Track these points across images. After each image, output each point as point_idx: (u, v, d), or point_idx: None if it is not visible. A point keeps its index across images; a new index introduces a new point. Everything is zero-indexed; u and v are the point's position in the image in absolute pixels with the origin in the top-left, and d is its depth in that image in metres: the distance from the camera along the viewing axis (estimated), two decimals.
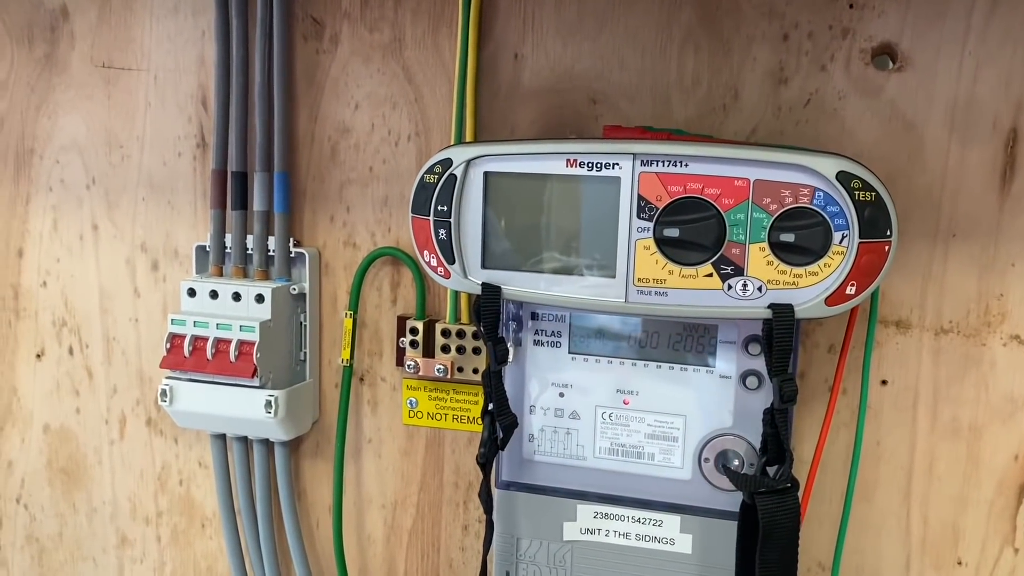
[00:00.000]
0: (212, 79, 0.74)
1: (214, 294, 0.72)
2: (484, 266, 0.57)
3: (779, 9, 0.63)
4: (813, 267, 0.52)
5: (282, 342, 0.72)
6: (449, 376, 0.70)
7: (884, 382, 0.65)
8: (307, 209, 0.75)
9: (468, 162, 0.56)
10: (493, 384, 0.58)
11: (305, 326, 0.74)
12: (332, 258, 0.75)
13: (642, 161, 0.53)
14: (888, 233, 0.51)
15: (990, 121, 0.60)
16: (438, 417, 0.73)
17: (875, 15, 0.61)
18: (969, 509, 0.64)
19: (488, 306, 0.56)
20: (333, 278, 0.75)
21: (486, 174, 0.56)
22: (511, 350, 0.61)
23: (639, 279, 0.54)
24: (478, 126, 0.68)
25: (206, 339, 0.70)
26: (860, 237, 0.51)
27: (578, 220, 0.55)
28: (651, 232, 0.54)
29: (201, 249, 0.76)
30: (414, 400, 0.74)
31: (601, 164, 0.54)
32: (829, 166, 0.51)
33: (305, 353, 0.75)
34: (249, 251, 0.74)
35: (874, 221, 0.51)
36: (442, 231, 0.57)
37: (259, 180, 0.73)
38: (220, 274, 0.75)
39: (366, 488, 0.77)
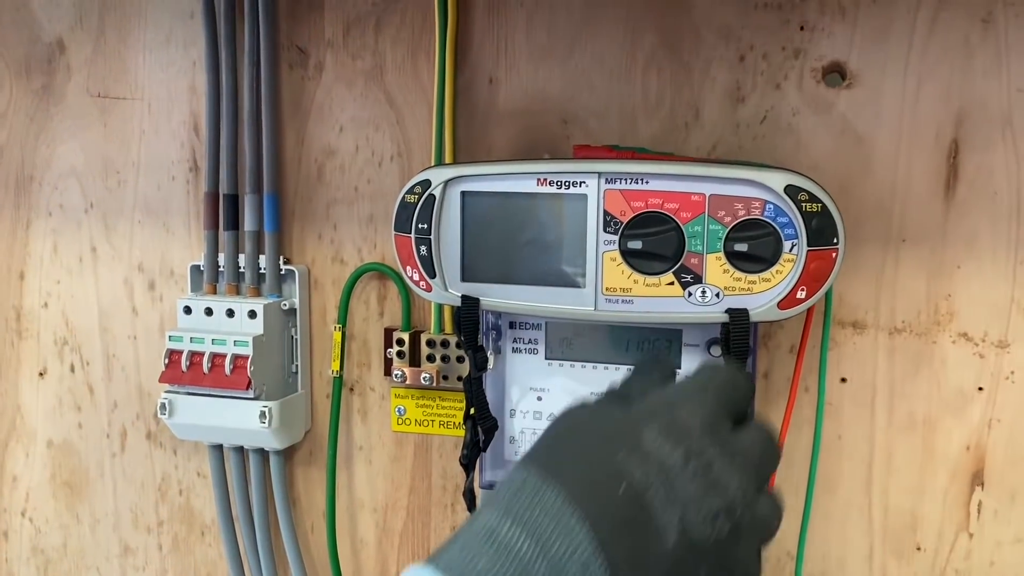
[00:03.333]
0: (203, 107, 0.78)
1: (209, 311, 0.75)
2: (463, 279, 0.61)
3: (735, 33, 0.67)
4: (766, 274, 0.56)
5: (275, 355, 0.76)
6: (435, 384, 0.74)
7: (843, 380, 0.69)
8: (296, 228, 0.78)
9: (446, 183, 0.60)
10: (474, 390, 0.62)
11: (296, 340, 0.78)
12: (321, 274, 0.79)
13: (607, 179, 0.57)
14: (835, 241, 0.56)
15: (933, 133, 0.64)
16: (425, 423, 0.77)
17: (825, 36, 0.65)
18: (926, 498, 0.68)
19: (467, 317, 0.60)
20: (322, 293, 0.79)
21: (463, 193, 0.60)
22: (491, 358, 0.65)
23: (607, 289, 0.58)
24: (456, 146, 0.72)
25: (202, 354, 0.74)
26: (808, 245, 0.55)
27: (549, 235, 0.59)
28: (616, 245, 0.58)
29: (195, 268, 0.79)
30: (402, 408, 0.77)
31: (569, 182, 0.58)
32: (778, 180, 0.55)
33: (297, 365, 0.78)
34: (241, 269, 0.78)
35: (821, 230, 0.55)
36: (423, 247, 0.61)
37: (249, 201, 0.77)
38: (214, 292, 0.79)
39: (358, 493, 0.81)
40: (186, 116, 0.80)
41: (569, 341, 0.65)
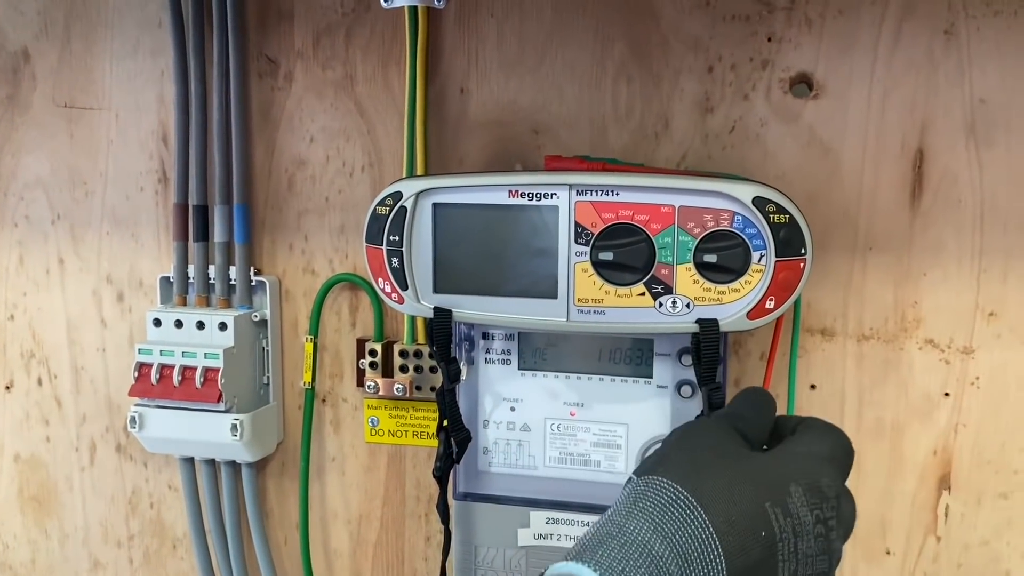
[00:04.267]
0: (172, 117, 0.77)
1: (179, 323, 0.75)
2: (436, 291, 0.61)
3: (704, 43, 0.67)
4: (735, 284, 0.57)
5: (246, 367, 0.76)
6: (408, 395, 0.74)
7: (812, 387, 0.69)
8: (267, 239, 0.78)
9: (417, 194, 0.60)
10: (447, 402, 0.62)
11: (267, 351, 0.78)
12: (292, 285, 0.78)
13: (577, 191, 0.58)
14: (803, 251, 0.56)
15: (899, 143, 0.65)
16: (399, 434, 0.77)
17: (792, 47, 0.66)
18: (895, 502, 0.69)
19: (440, 328, 0.60)
20: (293, 304, 0.78)
21: (434, 205, 0.60)
22: (464, 369, 0.65)
23: (579, 299, 0.59)
24: (428, 157, 0.72)
25: (172, 367, 0.73)
26: (776, 256, 0.56)
27: (521, 246, 0.59)
28: (588, 256, 0.58)
29: (165, 280, 0.79)
30: (375, 419, 0.77)
31: (540, 194, 0.58)
32: (746, 192, 0.55)
33: (268, 377, 0.78)
34: (211, 281, 0.77)
35: (789, 241, 0.56)
36: (395, 259, 0.61)
37: (219, 212, 0.76)
38: (184, 304, 0.78)
39: (331, 504, 0.80)
40: (155, 126, 0.79)
41: (542, 351, 0.65)
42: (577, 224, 0.58)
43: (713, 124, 0.68)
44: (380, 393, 0.75)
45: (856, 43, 0.65)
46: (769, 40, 0.66)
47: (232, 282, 0.77)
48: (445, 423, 0.63)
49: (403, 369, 0.74)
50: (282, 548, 0.82)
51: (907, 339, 0.67)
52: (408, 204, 0.60)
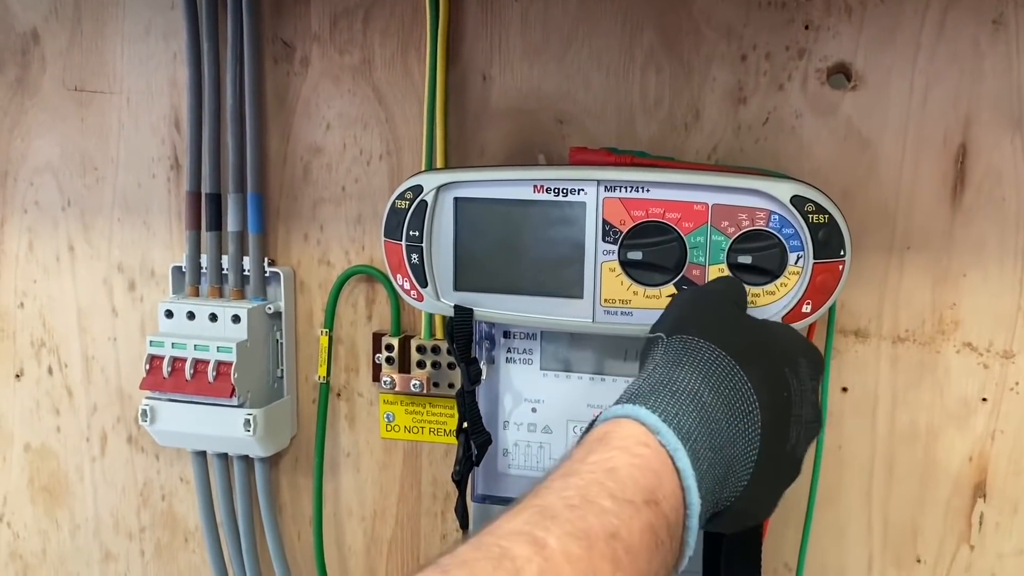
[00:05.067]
0: (184, 101, 0.75)
1: (191, 315, 0.73)
2: (456, 288, 0.59)
3: (737, 31, 0.64)
4: (770, 287, 0.54)
5: (259, 360, 0.74)
6: (425, 391, 0.72)
7: (844, 389, 0.67)
8: (281, 228, 0.76)
9: (438, 188, 0.58)
10: (467, 403, 0.60)
11: (281, 344, 0.76)
12: (307, 276, 0.76)
13: (606, 187, 0.55)
14: (842, 253, 0.54)
15: (940, 137, 0.62)
16: (415, 430, 0.75)
17: (830, 36, 0.63)
18: (927, 509, 0.67)
19: (460, 328, 0.58)
20: (308, 296, 0.76)
21: (456, 200, 0.58)
22: (484, 369, 0.63)
23: (605, 300, 0.56)
24: (448, 146, 0.69)
25: (184, 360, 0.71)
26: (814, 258, 0.53)
27: (546, 244, 0.57)
28: (616, 255, 0.56)
29: (177, 270, 0.77)
30: (391, 414, 0.75)
31: (567, 190, 0.56)
32: (784, 190, 0.53)
33: (282, 370, 0.76)
34: (224, 271, 0.75)
35: (827, 242, 0.53)
36: (414, 255, 0.58)
37: (233, 201, 0.74)
38: (196, 294, 0.76)
39: (345, 501, 0.79)
40: (167, 111, 0.77)
41: (565, 352, 0.63)
42: (605, 222, 0.56)
43: (746, 115, 0.65)
44: (397, 389, 0.73)
45: (898, 32, 0.62)
46: (806, 28, 0.63)
47: (246, 273, 0.75)
48: (465, 425, 0.61)
49: (420, 365, 0.72)
50: (295, 544, 0.81)
51: (944, 341, 0.65)
52: (428, 198, 0.58)
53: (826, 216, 0.53)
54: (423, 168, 0.69)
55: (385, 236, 0.60)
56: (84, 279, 0.82)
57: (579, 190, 0.56)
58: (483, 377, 0.62)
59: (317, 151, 0.74)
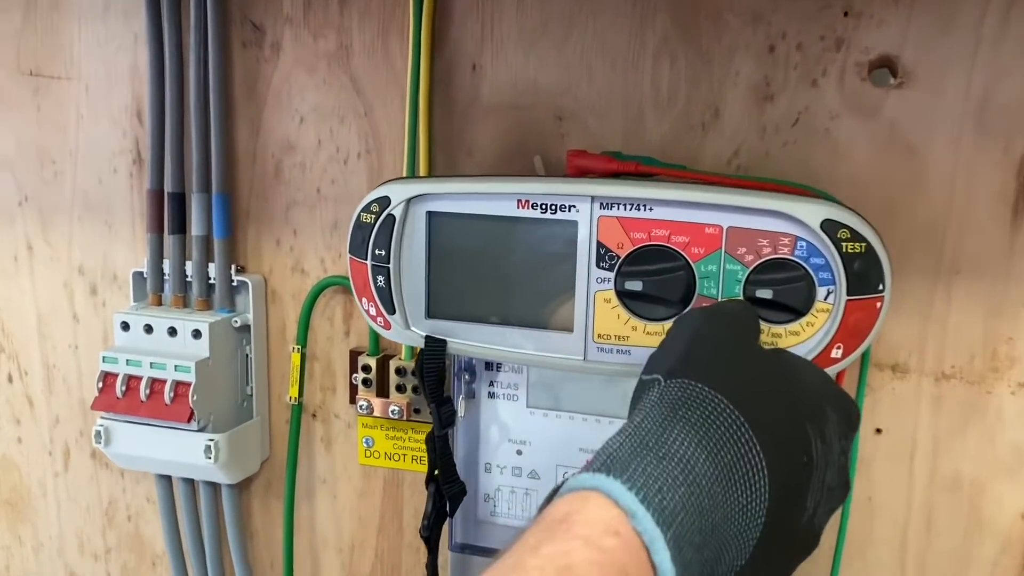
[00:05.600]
0: (146, 89, 0.67)
1: (148, 328, 0.66)
2: (429, 316, 0.51)
3: (765, 17, 0.55)
4: (794, 326, 0.46)
5: (225, 379, 0.67)
6: (405, 417, 0.64)
7: (878, 431, 0.59)
8: (251, 232, 0.69)
9: (408, 201, 0.50)
10: (438, 449, 0.52)
11: (251, 360, 0.68)
12: (279, 286, 0.69)
13: (601, 204, 0.47)
14: (880, 288, 0.45)
15: (1001, 146, 0.53)
16: (396, 457, 0.68)
17: (873, 24, 0.54)
18: (971, 569, 0.59)
19: (432, 362, 0.51)
20: (281, 307, 0.69)
21: (429, 214, 0.50)
22: (463, 405, 0.55)
23: (599, 335, 0.48)
24: (433, 144, 0.62)
25: (140, 378, 0.64)
26: (848, 293, 0.45)
27: (532, 268, 0.49)
28: (612, 283, 0.48)
29: (139, 275, 0.70)
30: (370, 439, 0.68)
31: (556, 206, 0.48)
32: (813, 213, 0.44)
33: (252, 388, 0.69)
34: (189, 279, 0.68)
35: (864, 275, 0.45)
36: (380, 278, 0.51)
37: (197, 202, 0.67)
38: (159, 303, 0.69)
39: (321, 530, 0.72)
40: (128, 100, 0.70)
41: (555, 388, 0.55)
42: (600, 244, 0.47)
43: (773, 115, 0.56)
44: (375, 413, 0.65)
45: (955, 22, 0.53)
46: (846, 15, 0.54)
47: (212, 281, 0.67)
48: (436, 473, 0.53)
49: (400, 389, 0.64)
50: (268, 573, 0.74)
51: (997, 381, 0.56)
52: (397, 212, 0.50)
53: (863, 245, 0.44)
54: (405, 170, 0.61)
55: (350, 253, 0.52)
56: (44, 281, 0.75)
57: (570, 206, 0.47)
58: (461, 415, 0.55)
59: (290, 148, 0.66)
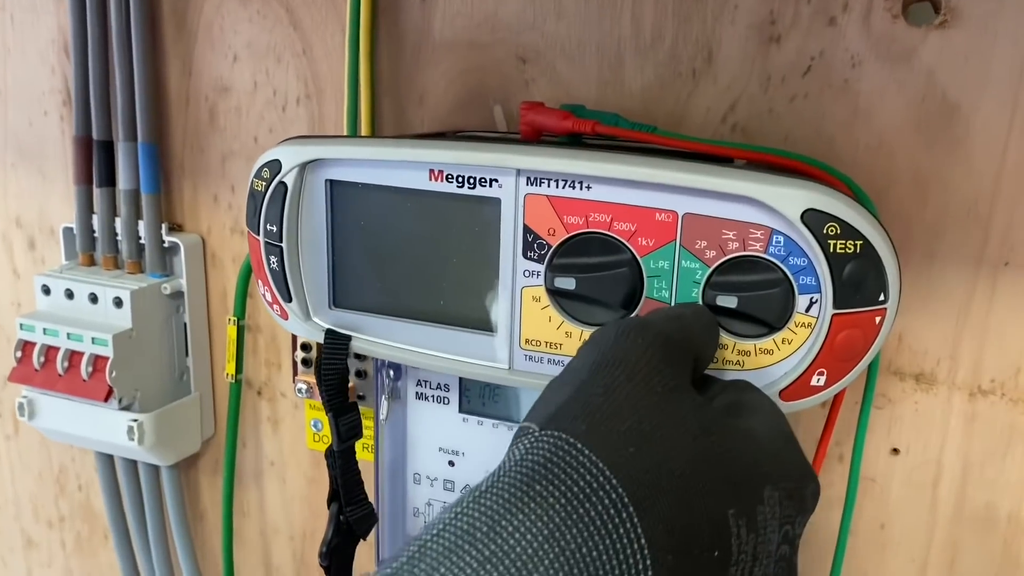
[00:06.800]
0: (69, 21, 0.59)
1: (69, 294, 0.59)
2: (334, 305, 0.43)
3: None
4: (766, 342, 0.36)
5: (154, 352, 0.60)
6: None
7: (895, 451, 0.48)
8: (187, 186, 0.61)
9: (303, 167, 0.41)
10: (339, 466, 0.44)
11: (188, 328, 0.61)
12: (219, 248, 0.61)
13: (529, 179, 0.37)
14: (882, 299, 0.34)
15: None
16: None
17: None
18: None
19: (332, 360, 0.42)
20: (222, 271, 0.61)
21: (330, 184, 0.41)
22: (385, 405, 0.47)
23: (527, 340, 0.39)
24: (377, 89, 0.52)
25: (57, 350, 0.58)
26: (836, 305, 0.34)
27: (448, 254, 0.40)
28: (542, 278, 0.38)
29: (69, 232, 0.63)
30: (318, 422, 0.61)
31: (474, 180, 0.38)
32: (792, 200, 0.33)
33: (190, 362, 0.62)
34: (119, 238, 0.61)
35: (858, 282, 0.34)
36: (273, 258, 0.42)
37: (124, 151, 0.59)
38: (91, 263, 0.62)
39: (272, 516, 0.65)
40: (54, 34, 0.62)
41: (491, 392, 0.46)
42: (527, 229, 0.38)
43: (779, 60, 0.45)
44: (316, 396, 0.58)
45: None
46: None
47: (143, 240, 0.60)
48: (342, 495, 0.45)
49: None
50: (217, 555, 0.68)
51: None
52: (289, 180, 0.41)
53: (857, 243, 0.33)
54: (345, 121, 0.52)
55: (247, 226, 0.44)
56: None
57: (491, 180, 0.38)
58: (383, 418, 0.46)
59: (224, 90, 0.58)
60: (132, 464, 0.65)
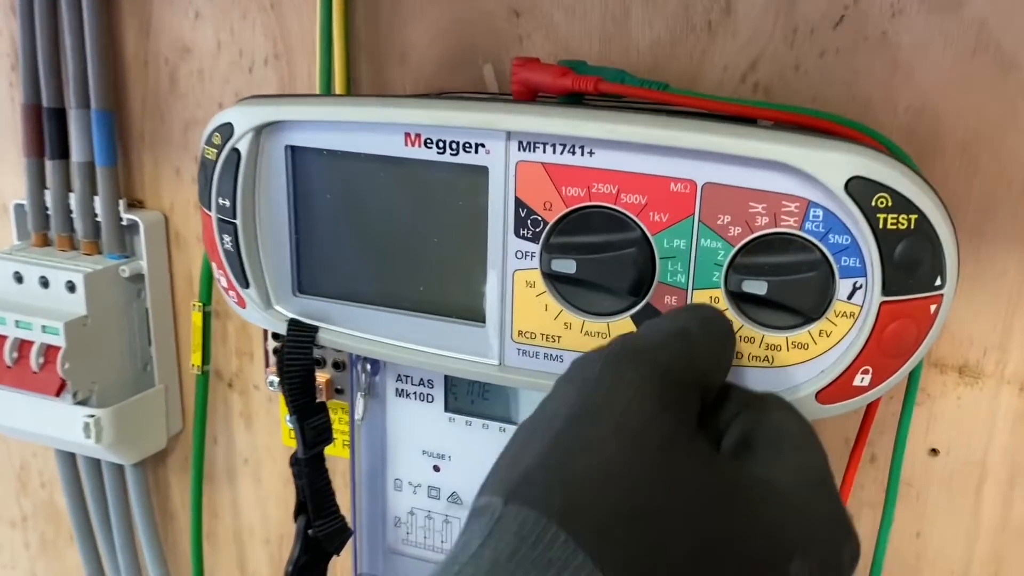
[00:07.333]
0: None
1: (19, 277, 0.54)
2: (299, 291, 0.37)
3: None
4: (800, 334, 0.30)
5: (112, 341, 0.54)
6: (325, 399, 0.51)
7: (934, 451, 0.43)
8: (147, 158, 0.55)
9: (259, 130, 0.35)
10: (306, 475, 0.39)
11: (150, 315, 0.56)
12: (183, 226, 0.56)
13: (520, 144, 0.32)
14: (938, 283, 0.29)
15: None
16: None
17: None
18: None
19: (295, 355, 0.37)
20: (186, 252, 0.56)
21: (291, 151, 0.35)
22: (361, 403, 0.41)
23: (520, 332, 0.34)
24: (353, 47, 0.47)
25: (5, 339, 0.53)
26: (885, 292, 0.29)
27: (428, 232, 0.34)
28: (537, 260, 0.33)
29: (20, 208, 0.57)
30: None
31: (457, 144, 0.32)
32: (835, 166, 0.28)
33: (153, 351, 0.57)
34: (73, 215, 0.55)
35: (912, 264, 0.29)
36: (226, 237, 0.37)
37: (76, 119, 0.53)
38: (45, 243, 0.57)
39: (246, 517, 0.60)
40: None
41: (482, 389, 0.41)
42: (519, 203, 0.32)
43: (807, 11, 0.40)
44: None
45: None
46: None
47: (99, 218, 0.55)
48: (309, 507, 0.40)
49: (319, 363, 0.51)
50: (189, 557, 0.63)
51: None
52: (243, 146, 0.35)
53: (911, 218, 0.28)
54: (318, 82, 0.47)
55: (200, 201, 0.38)
56: None
57: (477, 146, 0.32)
58: (359, 418, 0.41)
59: (185, 51, 0.52)
60: (95, 462, 0.60)
